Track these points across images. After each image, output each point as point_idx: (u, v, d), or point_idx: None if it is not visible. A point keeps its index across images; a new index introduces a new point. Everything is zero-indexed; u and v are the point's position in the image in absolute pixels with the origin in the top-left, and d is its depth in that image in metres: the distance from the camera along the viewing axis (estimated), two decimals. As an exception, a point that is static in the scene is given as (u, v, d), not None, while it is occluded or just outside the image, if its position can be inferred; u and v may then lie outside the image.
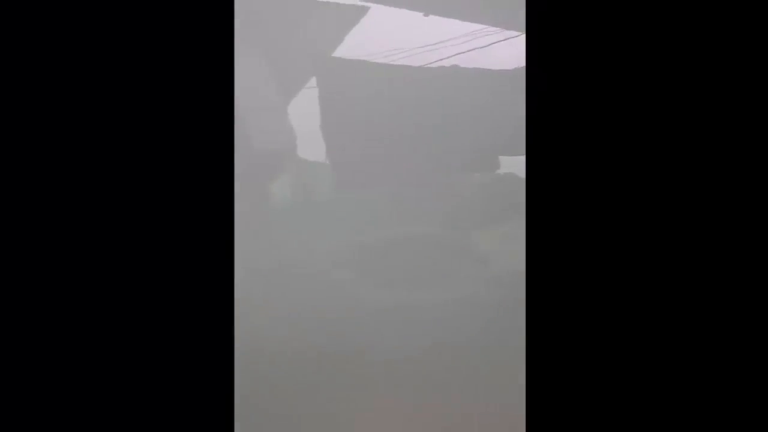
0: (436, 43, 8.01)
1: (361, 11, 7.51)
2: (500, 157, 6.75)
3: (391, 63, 7.60)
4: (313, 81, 6.95)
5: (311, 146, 7.18)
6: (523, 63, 6.88)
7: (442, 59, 7.32)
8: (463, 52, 7.22)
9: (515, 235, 6.41)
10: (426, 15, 7.29)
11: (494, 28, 7.39)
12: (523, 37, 7.08)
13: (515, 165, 6.90)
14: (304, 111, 7.35)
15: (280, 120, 6.92)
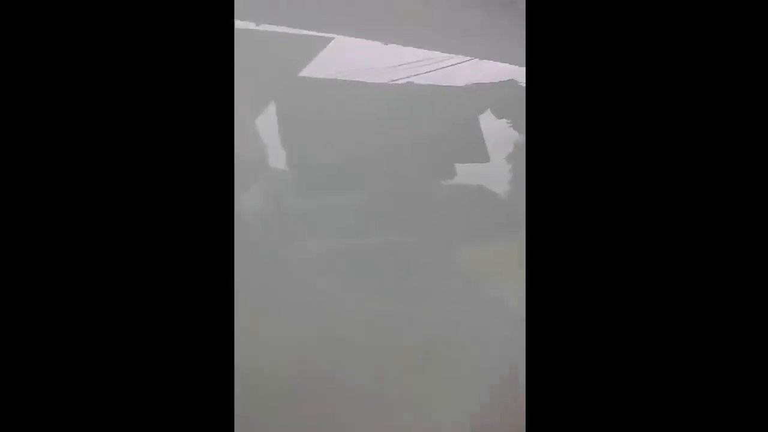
0: (397, 65, 8.14)
1: (324, 42, 7.42)
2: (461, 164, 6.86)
3: (358, 80, 7.58)
4: (273, 105, 6.89)
5: (280, 156, 7.15)
6: (479, 81, 7.24)
7: (408, 77, 7.30)
8: (421, 74, 7.40)
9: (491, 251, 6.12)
10: (385, 44, 7.39)
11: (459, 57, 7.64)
12: (475, 61, 7.50)
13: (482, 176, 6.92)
14: (270, 124, 7.35)
15: (249, 130, 6.86)
